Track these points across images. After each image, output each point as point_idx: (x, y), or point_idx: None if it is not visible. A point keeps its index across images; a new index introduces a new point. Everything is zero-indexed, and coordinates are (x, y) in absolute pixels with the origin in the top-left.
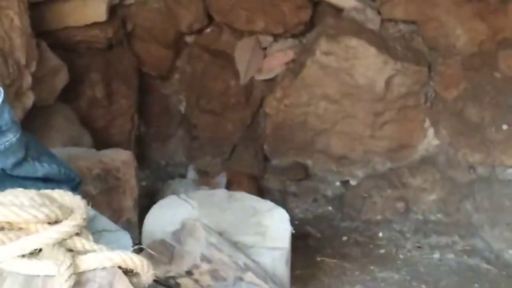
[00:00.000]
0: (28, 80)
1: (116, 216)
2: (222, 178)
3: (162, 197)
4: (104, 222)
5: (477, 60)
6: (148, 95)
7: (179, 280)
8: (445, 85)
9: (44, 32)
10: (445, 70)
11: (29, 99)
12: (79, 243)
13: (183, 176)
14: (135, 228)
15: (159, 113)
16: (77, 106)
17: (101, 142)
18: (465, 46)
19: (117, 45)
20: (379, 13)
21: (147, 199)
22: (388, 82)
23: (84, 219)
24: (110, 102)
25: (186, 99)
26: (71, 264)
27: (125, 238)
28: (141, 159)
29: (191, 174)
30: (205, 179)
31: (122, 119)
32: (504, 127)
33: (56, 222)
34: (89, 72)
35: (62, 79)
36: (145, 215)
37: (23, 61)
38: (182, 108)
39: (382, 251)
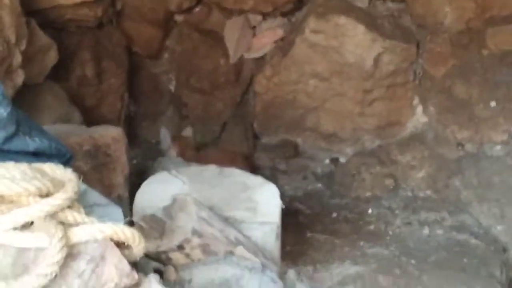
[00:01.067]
0: (18, 58)
1: (107, 193)
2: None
3: (152, 174)
4: (95, 196)
5: (465, 38)
6: (138, 74)
7: (170, 255)
8: (433, 62)
9: (34, 11)
10: (433, 48)
11: (19, 77)
12: (70, 216)
13: None
14: (126, 205)
15: (149, 92)
16: (67, 85)
17: (91, 120)
18: (453, 24)
19: (106, 24)
20: None
21: (138, 177)
22: (376, 60)
23: (76, 192)
24: (100, 81)
25: (176, 78)
26: (63, 236)
27: (117, 212)
28: (132, 137)
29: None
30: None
31: (112, 98)
32: (492, 104)
33: (48, 195)
34: (79, 51)
35: (51, 57)
36: (136, 193)
37: (13, 40)
38: (172, 87)
39: (372, 227)
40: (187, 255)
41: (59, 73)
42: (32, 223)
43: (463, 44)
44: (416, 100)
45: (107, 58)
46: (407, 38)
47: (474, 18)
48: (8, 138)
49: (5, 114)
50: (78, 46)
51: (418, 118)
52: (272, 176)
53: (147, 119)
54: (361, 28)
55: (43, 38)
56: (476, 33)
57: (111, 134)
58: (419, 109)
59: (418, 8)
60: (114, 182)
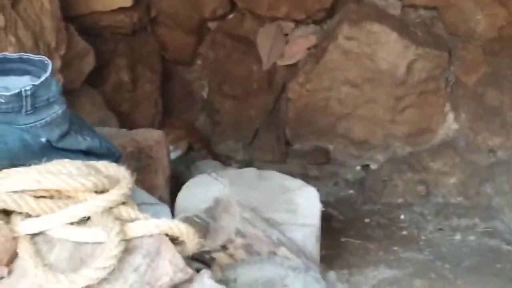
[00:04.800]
0: (57, 63)
1: (149, 194)
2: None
3: (189, 178)
4: (143, 195)
5: (496, 45)
6: (171, 80)
7: (214, 255)
8: (465, 70)
9: (71, 17)
10: (465, 55)
11: (59, 82)
12: (125, 212)
13: None
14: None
15: (182, 99)
16: (103, 90)
17: (125, 126)
18: (485, 31)
19: (140, 31)
20: None
21: (172, 182)
22: (409, 67)
23: (130, 189)
24: (135, 87)
25: (209, 84)
26: (120, 230)
27: (165, 210)
28: None
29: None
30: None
31: (146, 104)
32: None
33: (103, 191)
34: (114, 57)
35: (89, 63)
36: (173, 197)
37: (53, 44)
38: (205, 93)
39: (405, 232)
40: (231, 255)
41: (95, 78)
42: (88, 218)
43: (495, 51)
44: (447, 107)
45: (141, 64)
46: (439, 46)
47: (506, 25)
48: (62, 136)
49: (60, 112)
50: (113, 52)
51: (450, 125)
52: (304, 182)
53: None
54: (393, 35)
55: (80, 44)
56: (508, 40)
57: (153, 137)
58: (451, 116)
59: (450, 15)
60: (155, 183)
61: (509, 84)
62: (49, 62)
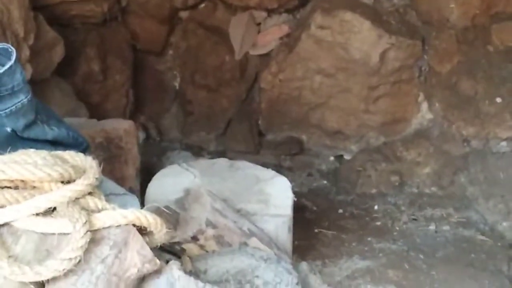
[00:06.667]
0: (26, 52)
1: (118, 185)
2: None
3: (161, 169)
4: (111, 186)
5: (470, 34)
6: (143, 71)
7: (184, 246)
8: (439, 58)
9: (40, 7)
10: (438, 44)
11: (27, 72)
12: (92, 202)
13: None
14: (137, 197)
15: (154, 89)
16: (73, 81)
17: (96, 116)
18: (458, 20)
19: (111, 21)
20: None
21: (144, 173)
22: (382, 56)
23: (97, 178)
24: (105, 77)
25: (181, 74)
26: (86, 221)
27: (133, 201)
28: None
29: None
30: None
31: (117, 94)
32: (498, 100)
33: (69, 181)
34: (84, 47)
35: (58, 53)
36: (144, 188)
37: (21, 34)
38: (177, 84)
39: (378, 223)
40: (201, 246)
41: (65, 69)
42: (54, 209)
43: (469, 40)
44: (421, 97)
45: (112, 54)
46: (412, 34)
47: (479, 14)
48: (28, 126)
49: (25, 101)
50: (84, 42)
51: (424, 114)
52: (277, 172)
53: (152, 116)
54: (367, 24)
55: (50, 33)
56: (482, 29)
57: (123, 127)
58: (425, 105)
59: (423, 4)
60: (125, 174)
61: (483, 73)
62: (13, 50)
